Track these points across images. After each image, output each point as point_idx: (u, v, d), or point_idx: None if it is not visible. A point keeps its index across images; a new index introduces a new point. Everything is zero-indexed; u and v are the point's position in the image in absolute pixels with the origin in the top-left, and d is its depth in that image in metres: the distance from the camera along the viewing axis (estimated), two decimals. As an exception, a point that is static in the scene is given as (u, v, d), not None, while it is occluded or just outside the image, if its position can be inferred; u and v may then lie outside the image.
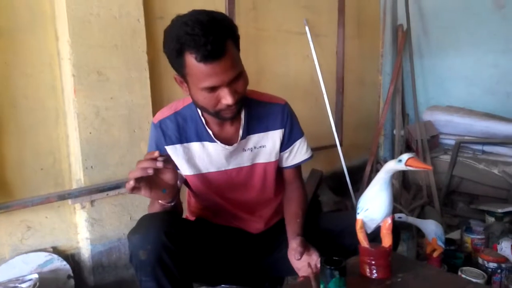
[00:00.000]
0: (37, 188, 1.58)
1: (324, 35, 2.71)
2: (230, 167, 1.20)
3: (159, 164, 0.90)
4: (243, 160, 1.21)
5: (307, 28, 2.52)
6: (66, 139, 1.65)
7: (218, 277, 1.28)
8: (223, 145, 1.15)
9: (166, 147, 1.14)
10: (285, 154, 1.26)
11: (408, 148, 2.94)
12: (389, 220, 0.88)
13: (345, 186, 2.61)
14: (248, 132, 1.19)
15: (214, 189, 1.22)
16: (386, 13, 3.11)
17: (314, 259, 1.03)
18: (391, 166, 0.83)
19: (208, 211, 1.30)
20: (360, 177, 2.91)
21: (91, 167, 1.64)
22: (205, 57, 0.92)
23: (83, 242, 1.69)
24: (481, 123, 2.61)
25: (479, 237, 1.89)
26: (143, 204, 1.81)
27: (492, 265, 1.56)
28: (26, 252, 1.55)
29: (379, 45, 3.19)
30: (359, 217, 0.89)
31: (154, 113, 1.82)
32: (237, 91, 1.01)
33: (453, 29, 2.92)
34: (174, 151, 1.15)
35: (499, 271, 1.55)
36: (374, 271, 0.87)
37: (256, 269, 1.27)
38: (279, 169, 1.29)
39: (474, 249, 1.87)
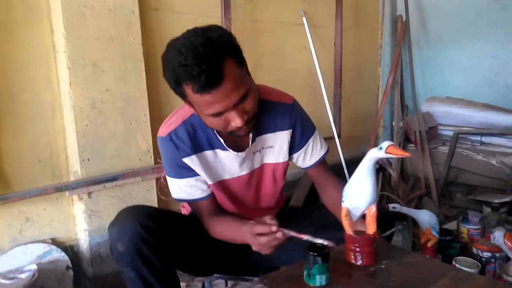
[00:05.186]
0: (35, 180, 1.60)
1: (322, 26, 2.70)
2: (243, 172, 1.18)
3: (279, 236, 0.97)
4: (254, 163, 1.19)
5: (304, 20, 2.51)
6: (62, 132, 1.66)
7: (212, 267, 1.30)
8: (235, 152, 1.13)
9: (183, 159, 1.11)
10: (300, 155, 1.24)
11: (407, 140, 2.94)
12: (373, 208, 0.89)
13: (343, 178, 2.62)
14: (257, 133, 1.15)
15: (230, 196, 1.21)
16: (385, 4, 3.09)
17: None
18: (373, 154, 0.84)
19: None
20: (359, 169, 2.91)
21: (88, 159, 1.66)
22: (202, 88, 0.87)
23: (82, 234, 1.71)
24: (479, 114, 2.60)
25: (475, 227, 1.90)
26: (140, 195, 1.83)
27: (486, 254, 1.56)
28: (25, 243, 1.58)
29: (378, 36, 3.18)
30: (343, 205, 0.91)
31: (150, 106, 1.83)
32: (246, 110, 0.96)
33: (452, 20, 2.90)
34: (191, 162, 1.12)
35: (493, 260, 1.56)
36: (359, 258, 0.88)
37: (250, 260, 1.27)
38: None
39: (470, 239, 1.88)
